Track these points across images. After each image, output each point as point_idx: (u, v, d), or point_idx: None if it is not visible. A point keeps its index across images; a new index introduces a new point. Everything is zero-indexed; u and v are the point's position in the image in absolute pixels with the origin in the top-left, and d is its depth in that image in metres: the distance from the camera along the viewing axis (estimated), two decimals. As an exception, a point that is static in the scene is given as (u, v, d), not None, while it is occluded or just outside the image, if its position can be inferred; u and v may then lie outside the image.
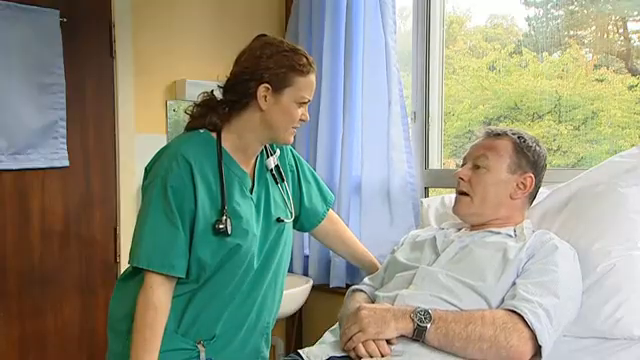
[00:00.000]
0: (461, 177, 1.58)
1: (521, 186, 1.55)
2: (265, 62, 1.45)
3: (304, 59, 1.47)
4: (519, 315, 1.27)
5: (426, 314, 1.30)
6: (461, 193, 1.59)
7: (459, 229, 1.63)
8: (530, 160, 1.56)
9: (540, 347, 1.26)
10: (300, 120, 1.51)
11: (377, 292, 1.53)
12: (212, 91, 1.55)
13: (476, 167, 1.56)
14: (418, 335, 1.29)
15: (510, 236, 1.50)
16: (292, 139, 1.55)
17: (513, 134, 1.58)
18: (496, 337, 1.25)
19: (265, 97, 1.46)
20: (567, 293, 1.35)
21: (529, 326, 1.25)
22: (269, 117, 1.48)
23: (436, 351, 1.30)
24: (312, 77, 1.50)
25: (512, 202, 1.56)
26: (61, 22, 2.27)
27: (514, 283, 1.36)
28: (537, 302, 1.28)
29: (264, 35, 1.54)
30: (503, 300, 1.35)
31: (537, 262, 1.39)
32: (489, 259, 1.42)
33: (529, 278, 1.35)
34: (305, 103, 1.50)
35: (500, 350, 1.25)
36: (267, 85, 1.45)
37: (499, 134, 1.59)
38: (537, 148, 1.58)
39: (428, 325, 1.28)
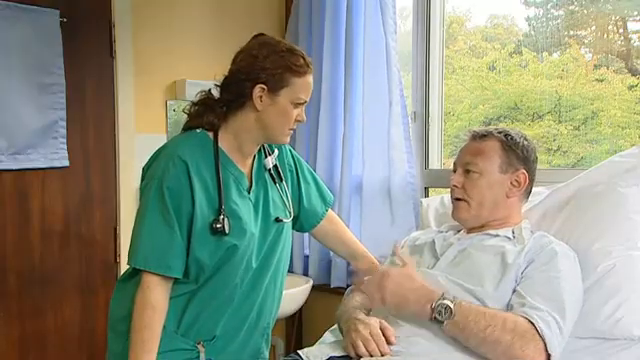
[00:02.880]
0: (455, 185, 1.57)
1: (515, 184, 1.54)
2: (261, 62, 1.44)
3: (301, 60, 1.46)
4: (534, 325, 1.26)
5: (447, 309, 1.29)
6: (457, 200, 1.58)
7: (458, 231, 1.62)
8: (520, 156, 1.55)
9: (549, 356, 1.25)
10: (296, 121, 1.50)
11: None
12: (209, 90, 1.54)
13: (467, 172, 1.56)
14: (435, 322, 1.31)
15: (509, 238, 1.49)
16: (288, 139, 1.54)
17: (499, 133, 1.56)
18: (512, 344, 1.25)
19: (261, 97, 1.45)
20: (572, 299, 1.35)
21: (541, 336, 1.25)
22: (264, 117, 1.47)
23: (437, 352, 1.30)
24: (309, 78, 1.48)
25: (509, 201, 1.55)
26: (61, 22, 2.27)
27: (514, 290, 1.36)
28: (547, 311, 1.28)
29: (262, 34, 1.53)
30: (507, 306, 1.34)
31: (538, 269, 1.38)
32: (488, 264, 1.42)
33: (534, 287, 1.34)
34: (301, 104, 1.49)
35: (513, 358, 1.25)
36: (263, 86, 1.44)
37: (485, 135, 1.58)
38: (525, 143, 1.56)
39: (445, 321, 1.29)
